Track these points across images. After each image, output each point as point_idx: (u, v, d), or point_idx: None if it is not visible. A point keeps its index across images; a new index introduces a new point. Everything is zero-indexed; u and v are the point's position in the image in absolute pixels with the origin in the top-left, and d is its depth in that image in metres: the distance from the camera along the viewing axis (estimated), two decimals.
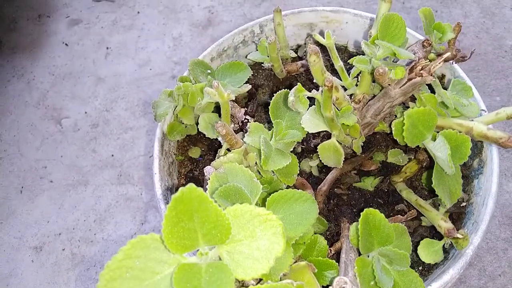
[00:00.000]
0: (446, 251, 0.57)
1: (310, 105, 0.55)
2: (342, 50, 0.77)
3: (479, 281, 0.89)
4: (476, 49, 1.18)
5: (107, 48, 1.29)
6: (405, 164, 0.63)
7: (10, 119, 1.19)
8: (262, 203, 0.50)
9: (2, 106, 1.21)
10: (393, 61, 0.55)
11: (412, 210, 0.56)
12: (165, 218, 0.37)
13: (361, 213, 0.46)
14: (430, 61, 0.50)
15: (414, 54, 0.52)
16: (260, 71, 0.76)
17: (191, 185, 0.37)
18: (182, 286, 0.35)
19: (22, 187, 1.07)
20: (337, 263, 0.49)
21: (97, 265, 0.96)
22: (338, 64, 0.55)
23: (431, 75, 0.48)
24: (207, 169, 0.54)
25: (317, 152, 0.61)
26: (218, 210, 0.38)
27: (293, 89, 0.50)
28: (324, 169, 0.67)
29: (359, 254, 0.50)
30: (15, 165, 1.11)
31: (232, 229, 0.39)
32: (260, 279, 0.43)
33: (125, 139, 1.12)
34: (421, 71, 0.48)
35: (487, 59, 1.18)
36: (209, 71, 0.67)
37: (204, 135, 0.67)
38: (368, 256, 0.49)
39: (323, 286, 0.48)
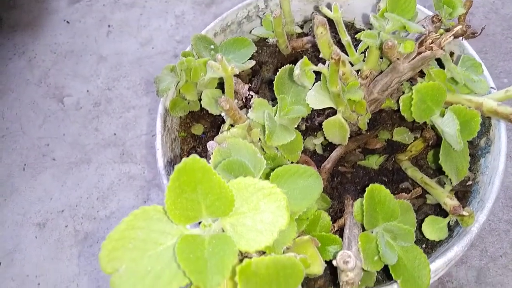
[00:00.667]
0: (450, 229, 0.56)
1: (315, 81, 0.54)
2: (349, 27, 0.75)
3: (480, 262, 0.89)
4: (484, 29, 1.16)
5: (109, 26, 1.27)
6: (411, 143, 0.62)
7: (12, 97, 1.18)
8: (266, 178, 0.49)
9: (3, 84, 1.20)
10: (401, 36, 0.54)
11: (417, 188, 0.55)
12: (168, 189, 0.36)
13: (366, 188, 0.46)
14: (440, 35, 0.49)
15: (424, 28, 0.51)
16: (265, 48, 0.74)
17: (195, 156, 0.37)
18: (185, 256, 0.35)
19: (25, 165, 1.07)
20: (340, 239, 0.49)
21: (100, 241, 0.96)
22: (345, 38, 0.54)
23: (442, 49, 0.46)
24: (210, 144, 0.53)
25: (322, 130, 0.60)
26: (221, 182, 0.38)
27: (299, 63, 0.48)
28: (328, 147, 0.66)
29: (363, 230, 0.50)
30: (17, 143, 1.11)
31: (236, 201, 0.39)
32: (263, 252, 0.43)
33: (128, 118, 1.11)
34: (431, 45, 0.46)
35: (496, 40, 1.16)
36: (212, 46, 0.65)
37: (207, 111, 0.66)
38: (372, 232, 0.48)
39: (326, 261, 0.48)
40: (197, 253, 0.36)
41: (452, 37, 0.48)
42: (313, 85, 0.52)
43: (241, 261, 0.38)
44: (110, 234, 0.37)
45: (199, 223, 0.40)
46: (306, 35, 0.72)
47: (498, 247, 0.90)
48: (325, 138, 0.65)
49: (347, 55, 0.56)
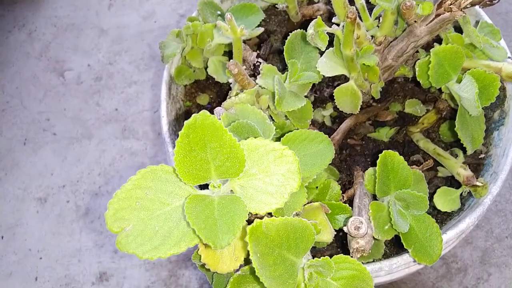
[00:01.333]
0: (462, 202, 0.55)
1: (327, 49, 0.52)
2: None
3: (485, 243, 0.88)
4: (496, 8, 1.13)
5: None
6: (423, 115, 0.60)
7: (12, 70, 1.16)
8: None
9: (3, 57, 1.18)
10: None
11: (429, 160, 0.54)
12: (177, 145, 0.35)
13: (379, 155, 0.44)
14: None
15: None
16: (273, 16, 0.72)
17: (205, 112, 0.35)
18: (194, 215, 0.34)
19: (26, 139, 1.06)
20: (350, 207, 0.48)
21: (101, 217, 0.95)
22: (360, 1, 0.51)
23: (461, 11, 0.44)
24: (217, 110, 0.51)
25: (331, 101, 0.59)
26: (233, 140, 0.36)
27: (312, 22, 0.46)
28: (337, 120, 0.65)
29: (373, 199, 0.49)
30: (18, 117, 1.09)
31: (246, 162, 0.37)
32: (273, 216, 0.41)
33: (129, 93, 1.09)
34: (451, 6, 0.44)
35: (508, 19, 1.13)
36: (219, 12, 0.63)
37: (213, 81, 0.64)
38: (383, 201, 0.47)
39: (335, 230, 0.47)
40: (206, 212, 0.35)
41: None
42: (325, 48, 0.50)
43: (250, 223, 0.37)
44: (117, 193, 0.36)
45: (207, 187, 0.39)
46: (317, 2, 0.70)
47: (504, 228, 0.89)
48: (334, 109, 0.63)
49: (361, 20, 0.53)
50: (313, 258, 0.53)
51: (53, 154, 1.03)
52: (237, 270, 0.40)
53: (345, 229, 0.42)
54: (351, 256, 0.43)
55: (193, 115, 0.35)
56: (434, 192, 0.55)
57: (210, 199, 0.37)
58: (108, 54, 1.15)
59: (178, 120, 0.64)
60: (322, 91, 0.65)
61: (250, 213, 0.37)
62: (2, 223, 0.96)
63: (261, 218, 0.35)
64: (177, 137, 0.61)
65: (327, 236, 0.44)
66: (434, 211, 0.56)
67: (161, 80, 0.63)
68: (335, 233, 0.46)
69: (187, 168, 0.36)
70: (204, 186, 0.39)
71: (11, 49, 1.19)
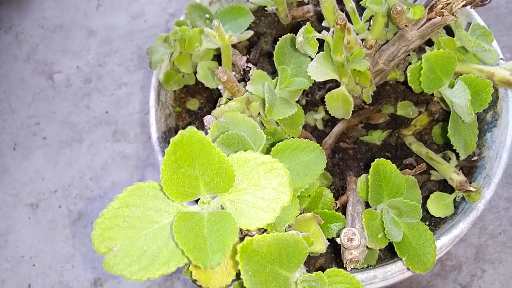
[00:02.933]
0: (455, 206, 0.55)
1: (317, 53, 0.51)
2: None
3: (479, 239, 0.88)
4: (488, 2, 1.12)
5: None
6: (415, 117, 0.60)
7: (0, 74, 1.13)
8: (266, 154, 0.47)
9: None
10: (409, 2, 0.51)
11: (421, 164, 0.53)
12: (164, 163, 0.34)
13: (372, 164, 0.44)
14: (451, 0, 0.46)
15: None
16: (263, 18, 0.71)
17: (192, 128, 0.34)
18: (183, 234, 0.33)
19: (15, 144, 1.04)
20: (343, 216, 0.47)
21: (94, 222, 0.95)
22: (350, 5, 0.50)
23: (453, 15, 0.44)
24: (207, 119, 0.50)
25: (323, 104, 0.58)
26: (221, 156, 0.35)
27: (301, 29, 0.45)
28: (329, 123, 0.64)
29: (367, 207, 0.48)
30: (6, 122, 1.07)
31: (236, 177, 0.36)
32: (265, 230, 0.41)
33: (120, 95, 1.07)
34: (442, 10, 0.43)
35: (499, 14, 1.13)
36: (207, 15, 0.62)
37: (203, 85, 0.63)
38: (376, 209, 0.47)
39: (328, 239, 0.46)
40: (195, 231, 0.34)
41: (464, 2, 0.45)
42: (315, 54, 0.49)
43: (241, 239, 0.36)
44: (103, 212, 0.35)
45: (197, 200, 0.38)
46: (307, 3, 0.69)
47: (497, 225, 0.90)
48: (326, 113, 0.62)
49: (351, 23, 0.53)
50: (307, 267, 0.53)
51: (44, 159, 1.02)
52: (230, 285, 0.39)
53: (338, 240, 0.42)
54: (345, 267, 0.42)
55: (179, 131, 0.34)
56: (428, 196, 0.55)
57: (199, 216, 0.36)
58: (97, 56, 1.13)
59: (168, 127, 0.63)
60: (313, 94, 0.64)
61: (241, 229, 0.36)
62: None
63: (252, 235, 0.35)
64: (167, 144, 0.60)
65: (320, 246, 0.43)
66: (428, 215, 0.56)
67: (151, 80, 0.61)
68: (329, 243, 0.46)
69: (175, 186, 0.35)
70: (194, 201, 0.39)
71: None
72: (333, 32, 0.44)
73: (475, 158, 0.58)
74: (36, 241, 0.93)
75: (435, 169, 0.56)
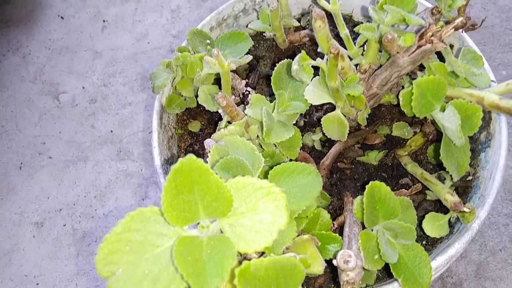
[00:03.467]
0: (451, 225, 0.56)
1: (314, 77, 0.53)
2: (347, 20, 0.74)
3: (479, 256, 0.89)
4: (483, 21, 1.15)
5: (104, 21, 1.26)
6: (411, 138, 0.61)
7: (7, 94, 1.16)
8: (264, 176, 0.49)
9: None
10: (401, 29, 0.53)
11: (417, 184, 0.55)
12: (165, 190, 0.36)
13: (366, 186, 0.45)
14: (441, 27, 0.48)
15: (424, 20, 0.50)
16: (262, 42, 0.73)
17: (191, 156, 0.36)
18: (183, 259, 0.34)
19: (21, 163, 1.06)
20: (340, 237, 0.49)
21: (98, 240, 0.96)
22: (344, 31, 0.52)
23: (442, 42, 0.45)
24: (207, 142, 0.52)
25: (320, 125, 0.59)
26: (219, 182, 0.37)
27: (297, 57, 0.47)
28: (327, 143, 0.65)
29: (363, 228, 0.49)
30: (13, 141, 1.09)
31: (234, 201, 0.38)
32: (263, 253, 0.42)
33: (124, 115, 1.10)
34: (432, 38, 0.45)
35: (494, 32, 1.15)
36: (208, 41, 0.64)
37: (204, 108, 0.65)
38: (372, 230, 0.48)
39: (326, 260, 0.47)
40: (195, 255, 0.35)
41: (453, 29, 0.47)
42: (311, 80, 0.51)
43: (240, 262, 0.37)
44: (106, 237, 0.37)
45: (197, 224, 0.39)
46: (304, 28, 0.71)
47: (498, 241, 0.90)
48: (323, 134, 0.64)
49: (346, 49, 0.55)
50: (306, 287, 0.54)
51: (49, 178, 1.03)
52: None
53: (334, 262, 0.43)
54: None
55: (179, 159, 0.35)
56: (424, 216, 0.56)
57: (199, 240, 0.37)
58: (102, 76, 1.16)
59: (170, 149, 0.65)
60: (311, 116, 0.65)
61: (239, 252, 0.37)
62: None
63: (250, 259, 0.36)
64: (169, 166, 0.61)
65: (317, 268, 0.44)
66: (424, 234, 0.57)
67: (155, 100, 0.63)
68: (326, 264, 0.47)
69: (176, 211, 0.36)
70: (194, 224, 0.40)
71: (5, 73, 1.20)
72: (327, 59, 0.46)
73: (470, 178, 0.59)
74: (40, 259, 0.94)
75: (430, 190, 0.57)
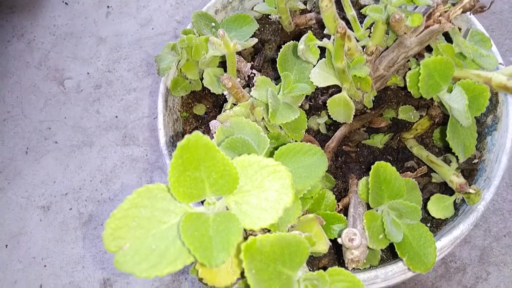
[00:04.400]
0: (456, 207, 0.56)
1: (319, 60, 0.53)
2: (354, 2, 0.73)
3: (483, 241, 0.89)
4: (491, 7, 1.13)
5: (108, 7, 1.25)
6: (416, 121, 0.61)
7: (12, 80, 1.17)
8: (269, 157, 0.49)
9: (3, 67, 1.19)
10: (408, 10, 0.52)
11: (422, 166, 0.55)
12: (171, 166, 0.36)
13: (372, 166, 0.45)
14: (449, 8, 0.47)
15: (432, 1, 0.49)
16: (267, 25, 0.73)
17: (197, 133, 0.36)
18: (189, 234, 0.35)
19: (27, 148, 1.07)
20: (345, 217, 0.49)
21: (104, 224, 0.97)
22: (351, 13, 0.52)
23: (450, 22, 0.45)
24: (213, 123, 0.52)
25: (325, 109, 0.59)
26: (225, 159, 0.37)
27: (303, 37, 0.47)
28: (332, 127, 0.65)
29: (368, 208, 0.50)
30: (19, 127, 1.10)
31: (240, 179, 0.38)
32: (268, 230, 0.42)
33: (129, 100, 1.10)
34: (440, 18, 0.45)
35: (502, 18, 1.13)
36: (213, 24, 0.64)
37: (209, 91, 0.65)
38: (377, 210, 0.48)
39: (330, 239, 0.48)
40: (201, 230, 0.36)
41: (461, 10, 0.47)
42: (317, 62, 0.50)
43: (245, 239, 0.38)
44: (114, 213, 0.37)
45: (203, 202, 0.40)
46: (310, 11, 0.70)
47: (502, 227, 0.90)
48: (329, 117, 0.64)
49: (352, 30, 0.54)
50: (310, 267, 0.54)
51: (55, 163, 1.04)
52: (235, 283, 0.41)
53: (339, 240, 0.43)
54: (346, 267, 0.44)
55: (185, 136, 0.36)
56: (429, 198, 0.56)
57: (205, 217, 0.37)
58: (107, 62, 1.16)
59: (176, 131, 0.65)
60: (316, 99, 0.65)
61: (245, 229, 0.38)
62: (6, 232, 0.98)
63: (256, 235, 0.36)
64: (174, 148, 0.62)
65: (322, 247, 0.45)
66: (429, 216, 0.57)
67: (159, 85, 0.63)
68: (331, 243, 0.47)
69: (182, 188, 0.37)
70: (200, 202, 0.40)
71: (10, 59, 1.20)
72: (333, 39, 0.46)
73: (476, 161, 0.59)
74: (47, 242, 0.96)
75: (436, 172, 0.57)
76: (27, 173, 1.04)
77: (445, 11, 0.46)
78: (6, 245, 0.96)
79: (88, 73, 1.15)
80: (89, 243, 0.95)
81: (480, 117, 0.60)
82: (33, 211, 1.00)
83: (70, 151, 1.05)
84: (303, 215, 0.46)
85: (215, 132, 0.50)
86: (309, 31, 0.47)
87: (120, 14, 1.23)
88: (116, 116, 1.08)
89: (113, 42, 1.18)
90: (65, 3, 1.27)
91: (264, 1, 0.67)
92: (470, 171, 0.58)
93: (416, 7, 0.55)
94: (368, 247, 0.46)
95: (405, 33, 0.47)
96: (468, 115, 0.43)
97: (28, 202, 1.01)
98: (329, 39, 0.50)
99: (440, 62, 0.45)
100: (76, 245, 0.95)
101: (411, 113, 0.62)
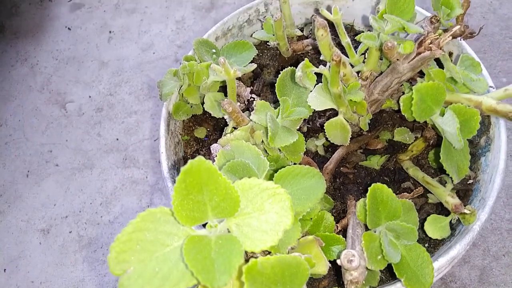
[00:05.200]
0: (452, 227, 0.57)
1: (317, 84, 0.55)
2: (349, 29, 0.76)
3: (483, 261, 0.89)
4: (482, 30, 1.17)
5: (110, 32, 1.28)
6: (412, 143, 0.63)
7: (15, 104, 1.19)
8: (269, 180, 0.50)
9: (6, 91, 1.21)
10: (401, 37, 0.55)
11: (419, 187, 0.56)
12: (175, 190, 0.37)
13: (369, 188, 0.46)
14: (439, 35, 0.50)
15: (423, 29, 0.52)
16: (266, 51, 0.75)
17: (200, 158, 0.38)
18: (192, 257, 0.36)
19: (28, 171, 1.08)
20: (344, 239, 0.50)
21: (104, 247, 0.97)
22: (345, 40, 0.54)
23: (440, 49, 0.47)
24: (214, 147, 0.54)
25: (323, 131, 0.61)
26: (227, 183, 0.38)
27: (300, 65, 0.49)
28: (330, 148, 0.67)
29: (366, 229, 0.50)
30: (20, 150, 1.11)
31: (241, 202, 0.39)
32: (269, 252, 0.43)
33: (130, 123, 1.12)
34: (430, 45, 0.47)
35: (494, 40, 1.17)
36: (214, 50, 0.66)
37: (210, 115, 0.67)
38: (375, 231, 0.49)
39: (330, 261, 0.48)
40: (204, 253, 0.37)
41: (451, 37, 0.49)
42: (314, 86, 0.52)
43: (247, 261, 0.38)
44: (118, 236, 0.38)
45: (205, 224, 0.41)
46: (307, 37, 0.73)
47: (501, 246, 0.90)
48: (326, 139, 0.66)
49: (347, 56, 0.56)
50: None
51: (55, 185, 1.05)
52: None
53: (338, 262, 0.44)
54: None
55: (189, 161, 0.37)
56: (426, 219, 0.57)
57: (207, 239, 0.38)
58: (108, 86, 1.18)
59: (177, 154, 0.66)
60: (314, 122, 0.67)
61: (246, 251, 0.39)
62: (5, 256, 0.97)
63: (257, 257, 0.37)
64: (176, 171, 0.63)
65: (322, 268, 0.45)
66: (427, 237, 0.58)
67: (160, 108, 0.65)
68: (330, 265, 0.48)
69: (185, 211, 0.38)
70: (202, 225, 0.41)
71: (13, 83, 1.22)
72: (329, 66, 0.48)
73: (471, 181, 0.60)
74: (46, 266, 0.95)
75: (432, 193, 0.58)
76: (28, 196, 1.05)
77: (436, 39, 0.48)
78: (5, 269, 0.96)
79: (90, 97, 1.17)
80: (89, 266, 0.95)
81: (474, 138, 0.62)
82: (32, 234, 1.00)
83: (71, 174, 1.06)
84: (302, 236, 0.47)
85: (216, 156, 0.51)
86: (306, 58, 0.50)
87: (122, 39, 1.26)
88: (117, 139, 1.10)
89: (115, 66, 1.21)
90: (68, 28, 1.31)
91: (262, 28, 0.70)
92: (465, 191, 0.60)
93: (408, 34, 0.57)
94: (367, 268, 0.46)
95: (397, 59, 0.49)
96: (460, 138, 0.45)
97: (28, 225, 1.01)
98: (325, 65, 0.52)
99: (432, 87, 0.47)
100: (76, 269, 0.95)
101: (407, 135, 0.63)
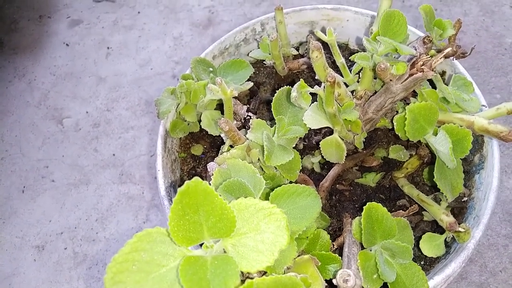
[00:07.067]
0: (447, 245, 0.57)
1: (312, 102, 0.55)
2: (343, 48, 0.78)
3: (480, 277, 0.89)
4: (476, 47, 1.19)
5: (108, 48, 1.30)
6: (407, 160, 0.63)
7: (12, 119, 1.19)
8: (265, 198, 0.50)
9: (3, 106, 1.21)
10: (394, 58, 0.56)
11: (414, 205, 0.56)
12: (171, 211, 0.37)
13: (364, 207, 0.47)
14: (431, 57, 0.51)
15: (415, 50, 0.53)
16: (262, 69, 0.76)
17: (197, 179, 0.38)
18: (188, 278, 0.36)
19: (24, 187, 1.08)
20: (340, 257, 0.50)
21: (99, 263, 0.96)
22: (340, 60, 0.55)
23: (432, 70, 0.48)
24: (210, 165, 0.54)
25: (319, 148, 0.62)
26: (223, 203, 0.39)
27: (295, 85, 0.50)
28: (326, 166, 0.67)
29: (362, 248, 0.51)
30: (16, 165, 1.11)
31: (237, 222, 0.40)
32: (265, 272, 0.43)
33: (127, 139, 1.12)
34: (423, 66, 0.48)
35: (487, 57, 1.19)
36: (211, 69, 0.67)
37: (207, 132, 0.68)
38: (371, 250, 0.49)
39: (326, 280, 0.48)
40: (200, 274, 0.37)
41: (443, 58, 0.50)
42: (309, 105, 0.53)
43: (243, 281, 0.38)
44: (115, 257, 0.38)
45: (201, 244, 0.41)
46: (302, 56, 0.74)
47: (498, 262, 0.91)
48: (322, 157, 0.66)
49: (342, 76, 0.57)
50: None
51: (51, 201, 1.05)
52: None
53: (334, 281, 0.44)
54: None
55: (186, 182, 0.37)
56: (421, 237, 0.57)
57: (203, 260, 0.39)
58: (105, 101, 1.19)
59: (174, 172, 0.67)
60: (310, 139, 0.68)
61: (242, 272, 0.39)
62: None
63: (253, 278, 0.37)
64: (172, 188, 0.63)
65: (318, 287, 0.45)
66: (422, 255, 0.58)
67: (157, 124, 0.65)
68: (326, 284, 0.48)
69: (181, 232, 0.38)
70: (199, 245, 0.41)
71: (11, 98, 1.23)
72: (324, 86, 0.49)
73: (465, 199, 0.60)
74: (41, 283, 0.94)
75: (427, 211, 0.59)
76: (23, 212, 1.04)
77: (428, 60, 0.50)
78: None
79: (87, 112, 1.18)
80: (84, 283, 0.94)
81: (468, 156, 0.63)
82: (27, 251, 0.99)
83: (67, 190, 1.06)
84: (298, 255, 0.47)
85: (212, 174, 0.52)
86: (301, 79, 0.50)
87: (120, 55, 1.27)
88: (114, 154, 1.10)
89: (113, 82, 1.22)
90: (66, 44, 1.32)
91: (259, 48, 0.71)
92: (460, 209, 0.60)
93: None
94: (362, 287, 0.46)
95: (391, 80, 0.50)
96: (453, 157, 0.45)
97: (22, 241, 1.00)
98: (320, 85, 0.53)
99: (424, 108, 0.48)
100: (70, 286, 0.94)
101: (401, 153, 0.64)
